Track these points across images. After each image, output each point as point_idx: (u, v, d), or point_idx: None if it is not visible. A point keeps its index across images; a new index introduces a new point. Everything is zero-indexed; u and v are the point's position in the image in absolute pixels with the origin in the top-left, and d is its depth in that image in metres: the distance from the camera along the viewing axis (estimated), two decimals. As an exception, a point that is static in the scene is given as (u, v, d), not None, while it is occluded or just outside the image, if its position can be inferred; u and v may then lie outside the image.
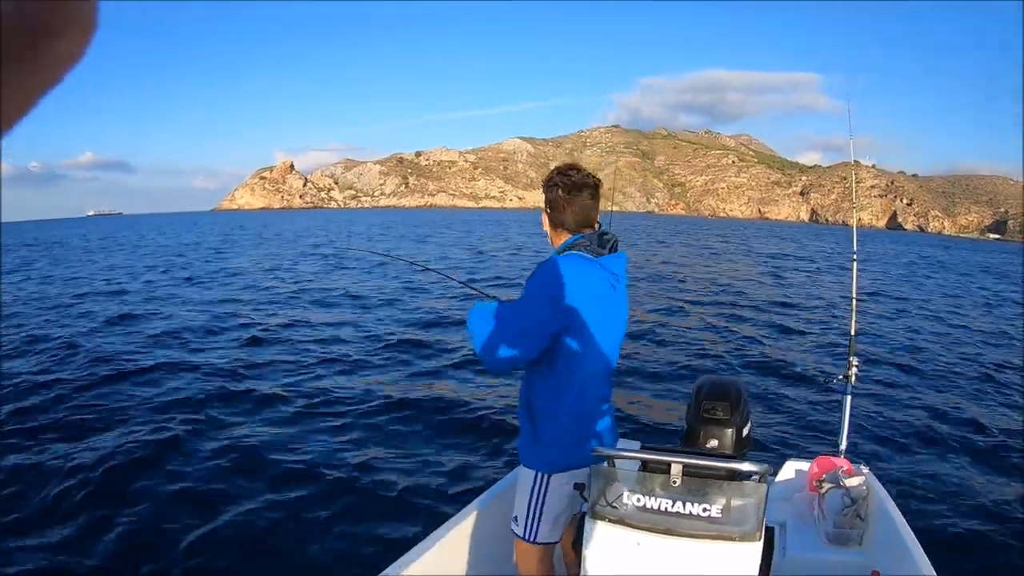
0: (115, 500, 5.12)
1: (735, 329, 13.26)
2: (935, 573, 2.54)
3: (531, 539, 2.59)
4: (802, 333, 13.00)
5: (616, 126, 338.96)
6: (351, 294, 16.57)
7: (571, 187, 2.51)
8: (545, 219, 2.62)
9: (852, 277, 4.35)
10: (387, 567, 2.54)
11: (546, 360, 2.46)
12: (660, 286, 19.53)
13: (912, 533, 2.89)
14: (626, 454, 2.28)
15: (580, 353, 2.47)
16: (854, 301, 4.25)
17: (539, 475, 2.56)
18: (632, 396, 8.31)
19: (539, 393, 2.53)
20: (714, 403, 2.93)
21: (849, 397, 3.97)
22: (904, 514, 3.12)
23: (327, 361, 9.62)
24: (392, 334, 11.53)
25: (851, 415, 3.96)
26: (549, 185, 2.55)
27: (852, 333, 4.16)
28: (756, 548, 2.10)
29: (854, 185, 5.30)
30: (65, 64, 0.31)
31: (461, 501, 3.56)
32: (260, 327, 12.20)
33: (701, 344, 11.74)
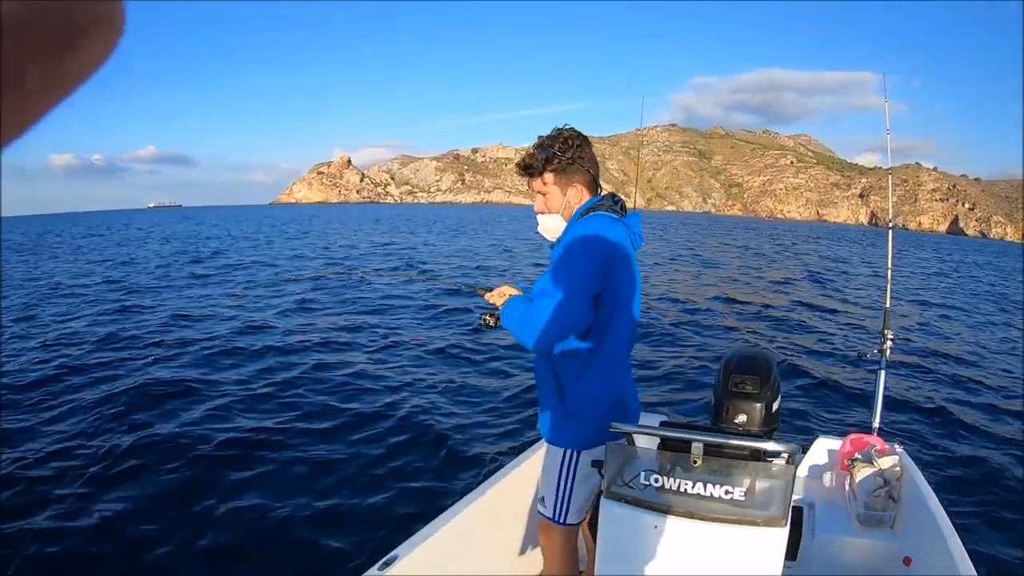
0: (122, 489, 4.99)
1: (771, 303, 13.17)
2: (970, 561, 2.43)
3: (561, 521, 2.51)
4: (836, 311, 12.73)
5: (673, 125, 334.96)
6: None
7: (580, 139, 2.43)
8: (555, 189, 2.43)
9: (888, 250, 4.28)
10: (398, 546, 2.48)
11: (583, 330, 2.35)
12: (707, 270, 19.74)
13: (947, 517, 2.79)
14: (645, 431, 2.17)
15: (612, 317, 2.38)
16: (889, 272, 4.22)
17: (569, 452, 2.47)
18: (662, 366, 8.25)
19: (568, 362, 2.41)
20: (743, 376, 2.79)
21: (883, 372, 3.85)
22: (939, 497, 3.00)
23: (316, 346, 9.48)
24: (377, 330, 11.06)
25: (885, 392, 3.84)
26: (561, 144, 2.39)
27: (887, 306, 4.10)
28: (782, 534, 2.01)
29: (888, 148, 4.51)
30: (90, 66, 0.31)
31: (475, 479, 3.35)
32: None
33: (735, 317, 11.84)
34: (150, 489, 4.93)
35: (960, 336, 11.90)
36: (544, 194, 2.46)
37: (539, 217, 2.52)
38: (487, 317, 2.58)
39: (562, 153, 2.38)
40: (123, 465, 5.27)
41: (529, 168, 2.45)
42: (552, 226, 2.49)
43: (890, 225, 4.38)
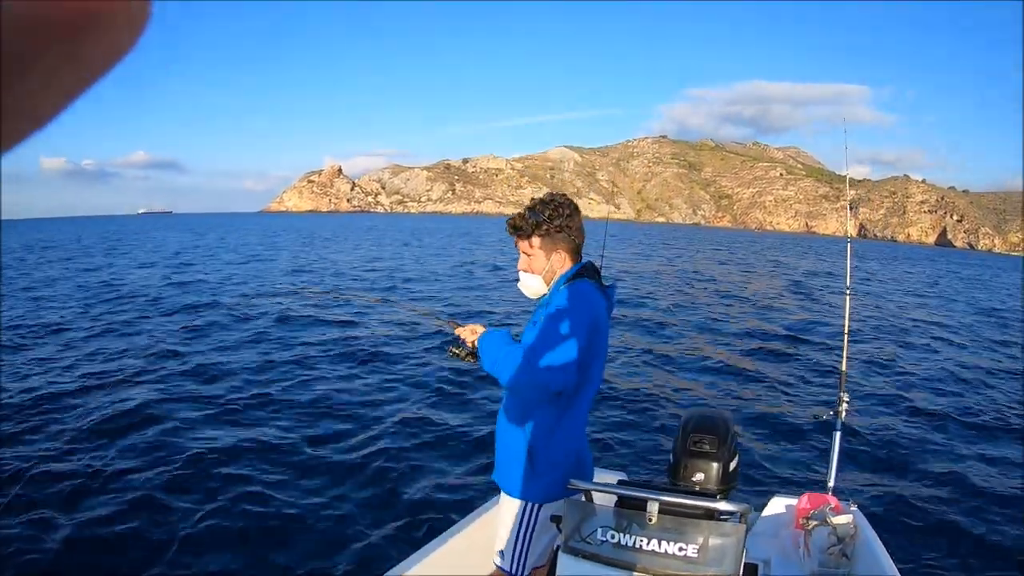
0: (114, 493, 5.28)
1: (729, 359, 12.85)
2: None
3: (518, 573, 2.55)
4: (797, 362, 12.39)
5: (663, 136, 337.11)
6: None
7: (571, 208, 2.56)
8: (540, 252, 2.55)
9: (844, 312, 4.41)
10: None
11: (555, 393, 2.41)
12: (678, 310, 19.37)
13: (899, 575, 2.87)
14: (603, 489, 2.24)
15: (588, 383, 2.48)
16: (845, 337, 4.28)
17: (530, 505, 2.52)
18: (620, 425, 8.27)
19: (540, 422, 2.48)
20: (701, 436, 2.88)
21: (838, 433, 3.95)
22: (892, 556, 3.10)
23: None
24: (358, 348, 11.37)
25: (840, 451, 3.93)
26: (552, 211, 2.51)
27: (843, 369, 4.18)
28: None
29: (848, 215, 5.06)
30: (111, 58, 0.30)
31: (436, 529, 3.44)
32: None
33: (694, 374, 11.42)
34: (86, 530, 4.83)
35: (922, 383, 11.59)
36: (528, 255, 2.56)
37: (521, 275, 2.61)
38: (455, 349, 2.65)
39: (551, 220, 2.50)
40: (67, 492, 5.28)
41: (519, 229, 2.54)
42: (532, 286, 2.60)
43: (847, 292, 4.51)
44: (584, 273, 2.54)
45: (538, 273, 2.56)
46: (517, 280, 2.66)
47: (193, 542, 4.70)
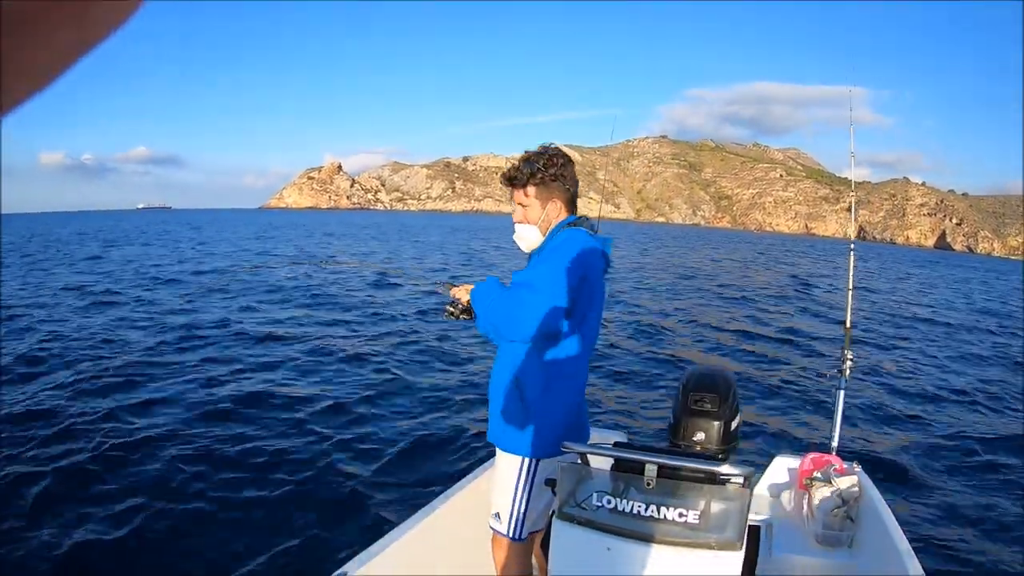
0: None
1: (731, 321, 13.10)
2: None
3: (516, 537, 2.49)
4: (800, 329, 12.48)
5: (663, 136, 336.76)
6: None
7: (564, 158, 2.53)
8: (535, 202, 2.52)
9: (848, 266, 4.19)
10: (346, 564, 2.41)
11: (547, 335, 2.37)
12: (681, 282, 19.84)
13: (905, 538, 2.78)
14: (598, 451, 2.15)
15: (581, 331, 2.44)
16: (849, 292, 4.15)
17: (527, 461, 2.46)
18: (621, 386, 8.16)
19: (535, 369, 2.42)
20: (702, 394, 2.81)
21: (843, 392, 3.83)
22: (897, 517, 3.01)
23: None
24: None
25: (845, 411, 3.84)
26: (546, 161, 2.49)
27: (848, 325, 4.07)
28: (736, 558, 1.97)
29: (853, 199, 4.79)
30: (114, 21, 0.29)
31: (428, 495, 3.33)
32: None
33: (696, 335, 11.63)
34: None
35: (925, 356, 11.88)
36: (524, 206, 2.54)
37: (517, 227, 2.59)
38: (451, 308, 2.65)
39: (545, 169, 2.48)
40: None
41: (513, 180, 2.54)
42: (528, 237, 2.57)
43: (851, 245, 4.37)
44: (579, 224, 2.54)
45: (534, 223, 2.54)
46: (513, 233, 2.64)
47: (205, 516, 4.70)
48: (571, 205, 2.58)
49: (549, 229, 2.55)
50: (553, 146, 2.54)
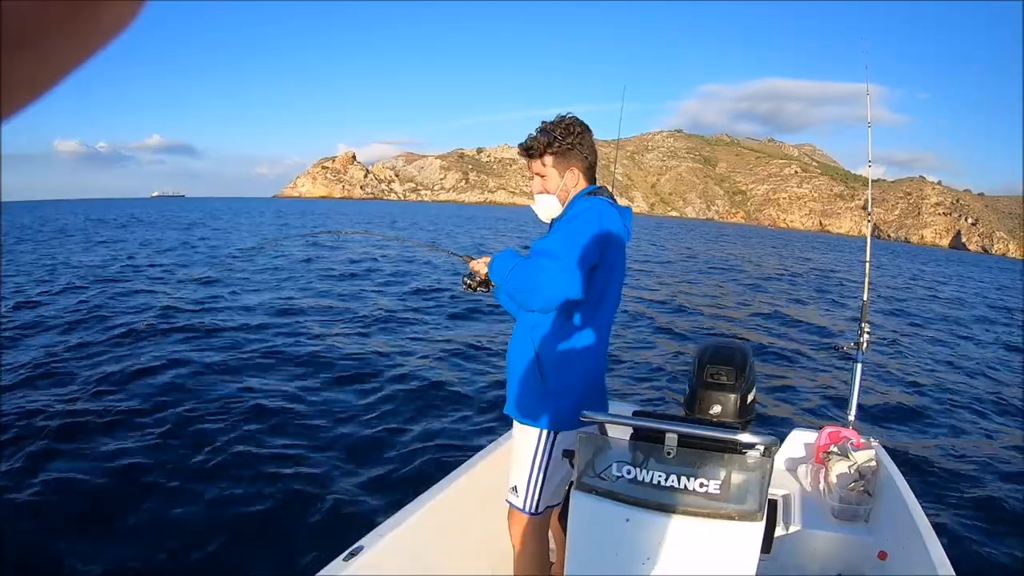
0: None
1: (752, 299, 13.10)
2: (945, 557, 2.40)
3: (533, 510, 2.48)
4: (815, 303, 12.61)
5: (679, 130, 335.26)
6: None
7: (582, 126, 2.49)
8: (553, 171, 2.48)
9: (867, 242, 4.15)
10: (363, 537, 2.43)
11: (566, 304, 2.33)
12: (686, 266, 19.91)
13: (922, 513, 2.74)
14: (617, 420, 2.10)
15: (601, 301, 2.40)
16: (867, 265, 4.07)
17: (545, 434, 2.43)
18: (637, 357, 8.15)
19: (552, 342, 2.40)
20: (718, 367, 2.80)
21: (860, 366, 3.80)
22: (914, 492, 2.98)
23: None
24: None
25: (862, 385, 3.80)
26: (563, 129, 2.45)
27: (864, 298, 3.99)
28: (757, 528, 1.96)
29: (869, 195, 4.63)
30: (110, 31, 0.29)
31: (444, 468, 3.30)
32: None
33: (713, 309, 11.72)
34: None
35: (943, 334, 11.89)
36: (542, 176, 2.49)
37: (536, 197, 2.54)
38: (468, 281, 2.63)
39: (563, 138, 2.43)
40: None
41: (530, 149, 2.48)
42: (548, 206, 2.52)
43: (869, 218, 4.37)
44: (600, 192, 2.51)
45: (552, 192, 2.49)
46: (532, 204, 2.60)
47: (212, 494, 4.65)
48: (590, 174, 2.53)
49: (568, 198, 2.50)
50: (570, 115, 2.49)
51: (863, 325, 3.80)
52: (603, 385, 2.57)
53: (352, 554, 2.32)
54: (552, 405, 2.40)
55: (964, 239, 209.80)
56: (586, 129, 2.48)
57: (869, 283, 4.05)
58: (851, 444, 3.37)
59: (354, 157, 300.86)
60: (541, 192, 2.51)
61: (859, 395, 3.78)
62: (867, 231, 4.22)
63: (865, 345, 3.79)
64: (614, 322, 2.58)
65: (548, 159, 2.46)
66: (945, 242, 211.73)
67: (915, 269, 43.47)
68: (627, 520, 2.04)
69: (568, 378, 2.40)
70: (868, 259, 4.08)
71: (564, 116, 2.47)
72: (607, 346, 2.54)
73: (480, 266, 2.57)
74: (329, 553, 2.35)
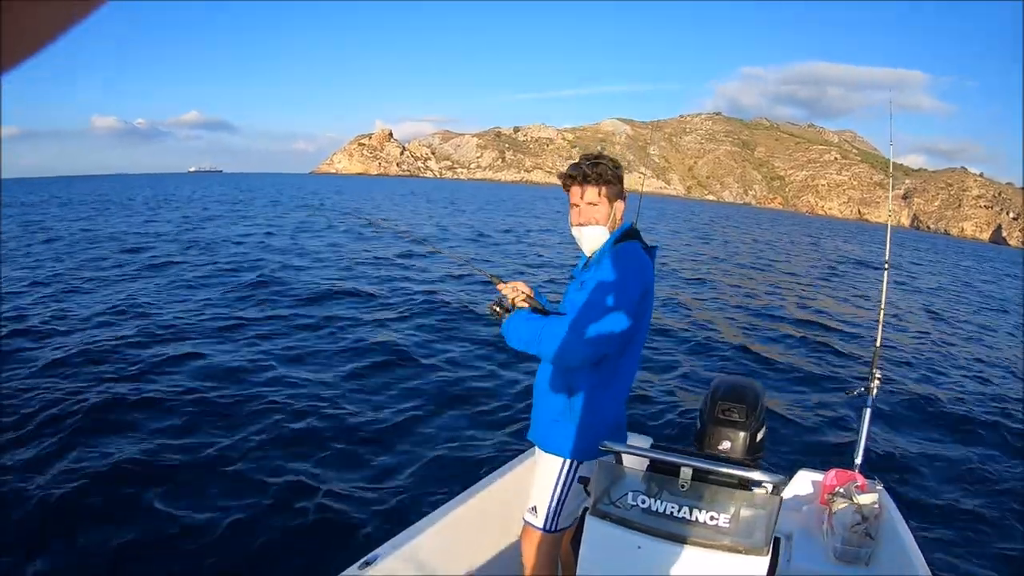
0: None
1: (761, 330, 12.80)
2: None
3: (552, 529, 2.53)
4: (828, 342, 11.79)
5: (717, 113, 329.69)
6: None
7: (616, 162, 2.55)
8: (606, 201, 2.52)
9: (882, 287, 4.14)
10: (378, 548, 2.50)
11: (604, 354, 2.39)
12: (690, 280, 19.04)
13: (923, 559, 2.80)
14: (635, 452, 2.21)
15: (634, 345, 2.47)
16: (881, 312, 4.10)
17: (568, 463, 2.51)
18: (647, 389, 8.09)
19: (587, 381, 2.45)
20: (730, 404, 2.83)
21: (869, 410, 3.83)
22: (916, 538, 3.02)
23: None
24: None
25: (870, 429, 3.84)
26: (612, 162, 2.53)
27: (877, 344, 4.04)
28: (763, 563, 2.04)
29: (891, 185, 4.55)
30: None
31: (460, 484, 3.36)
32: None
33: (724, 341, 11.32)
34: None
35: (958, 371, 11.35)
36: (594, 204, 2.51)
37: (583, 229, 2.55)
38: (496, 308, 2.61)
39: (615, 170, 2.52)
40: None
41: (587, 178, 2.50)
42: (596, 237, 2.54)
43: (885, 265, 4.36)
44: (631, 234, 2.54)
45: (603, 224, 2.51)
46: (572, 235, 2.61)
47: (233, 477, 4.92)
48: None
49: (614, 230, 2.55)
50: (603, 151, 2.58)
51: (874, 371, 3.88)
52: (623, 422, 2.66)
53: (367, 563, 2.43)
54: (577, 437, 2.48)
55: (1005, 233, 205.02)
56: (618, 166, 2.57)
57: (882, 329, 4.07)
58: (856, 487, 3.42)
59: (391, 134, 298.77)
60: (587, 223, 2.53)
61: (866, 439, 3.82)
62: (884, 281, 4.17)
63: (875, 391, 3.85)
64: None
65: (604, 189, 2.51)
66: (985, 236, 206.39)
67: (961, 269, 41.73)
68: (639, 547, 2.14)
69: (595, 412, 2.47)
70: (883, 306, 4.10)
71: (601, 153, 2.58)
72: (634, 378, 2.65)
73: (510, 292, 2.59)
74: (345, 561, 2.47)
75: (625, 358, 2.48)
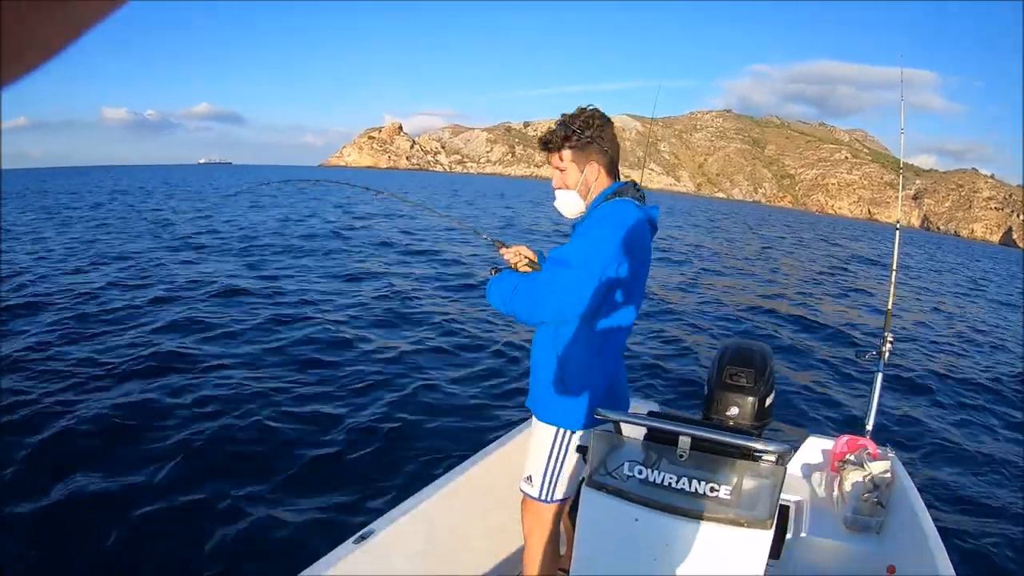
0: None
1: (778, 295, 12.80)
2: (954, 574, 2.38)
3: (548, 499, 2.49)
4: (841, 307, 12.20)
5: (728, 110, 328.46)
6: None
7: (602, 119, 2.41)
8: (572, 165, 2.40)
9: (894, 249, 4.03)
10: (374, 522, 2.45)
11: (587, 312, 2.29)
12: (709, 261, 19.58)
13: (934, 528, 2.73)
14: (632, 420, 2.11)
15: (623, 306, 2.37)
16: (893, 273, 4.01)
17: (561, 431, 2.45)
18: (654, 353, 8.01)
19: (575, 345, 2.37)
20: (738, 369, 2.77)
21: (880, 375, 3.75)
22: (928, 507, 2.94)
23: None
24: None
25: (882, 395, 3.75)
26: (582, 123, 2.37)
27: (889, 307, 3.96)
28: (766, 536, 1.95)
29: (903, 153, 4.48)
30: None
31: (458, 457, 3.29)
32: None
33: (736, 308, 11.38)
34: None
35: (970, 345, 11.45)
36: (561, 170, 2.44)
37: (557, 193, 2.49)
38: (495, 272, 2.52)
39: (581, 132, 2.38)
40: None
41: (548, 144, 2.45)
42: (568, 201, 2.48)
43: (897, 226, 4.25)
44: (624, 192, 2.43)
45: (572, 188, 2.43)
46: (554, 200, 2.52)
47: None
48: (611, 168, 2.46)
49: (590, 194, 2.45)
50: (591, 107, 2.42)
51: (886, 335, 3.80)
52: (619, 388, 2.59)
53: (362, 537, 2.38)
54: (571, 405, 2.42)
55: (1015, 236, 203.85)
56: (607, 122, 2.43)
57: (894, 292, 4.03)
58: (867, 454, 3.34)
59: (400, 128, 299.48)
60: (561, 187, 2.47)
61: (878, 405, 3.75)
62: (895, 242, 4.10)
63: (886, 355, 3.78)
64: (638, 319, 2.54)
65: (567, 153, 2.42)
66: (995, 238, 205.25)
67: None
68: (636, 520, 2.07)
69: (588, 380, 2.41)
70: (895, 268, 4.05)
71: (584, 108, 2.43)
72: (624, 349, 2.57)
73: (511, 256, 2.53)
74: (340, 535, 2.42)
75: (616, 326, 2.39)
